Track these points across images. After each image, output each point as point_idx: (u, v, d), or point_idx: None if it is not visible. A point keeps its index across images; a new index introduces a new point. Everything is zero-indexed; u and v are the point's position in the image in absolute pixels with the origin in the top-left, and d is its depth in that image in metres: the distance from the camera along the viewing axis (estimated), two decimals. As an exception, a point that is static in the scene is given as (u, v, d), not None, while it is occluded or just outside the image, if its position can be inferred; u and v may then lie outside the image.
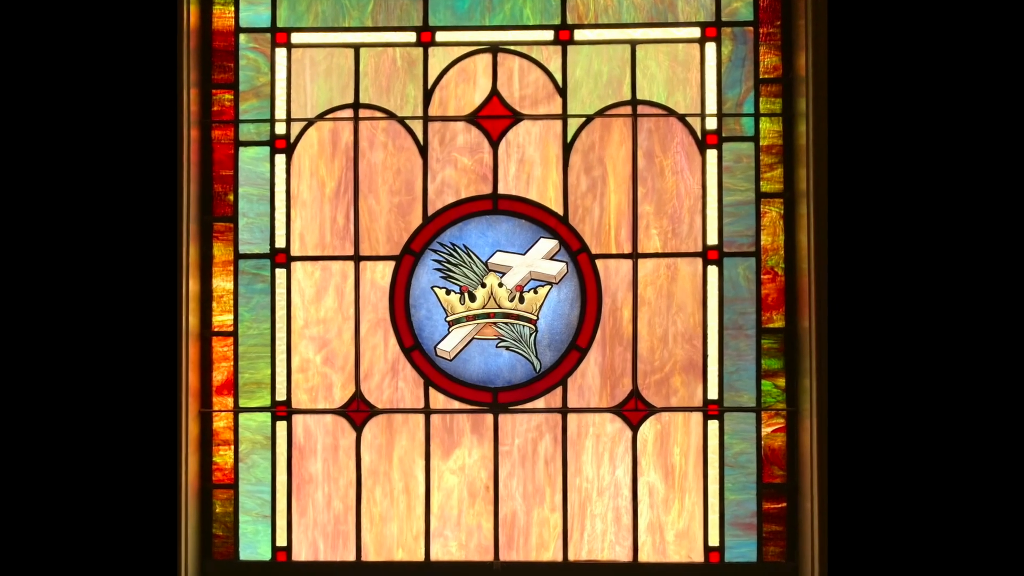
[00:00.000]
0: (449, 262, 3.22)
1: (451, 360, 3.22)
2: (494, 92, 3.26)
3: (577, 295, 3.22)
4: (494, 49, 3.26)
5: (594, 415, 3.21)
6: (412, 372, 3.23)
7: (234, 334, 3.22)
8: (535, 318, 3.20)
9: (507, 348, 3.21)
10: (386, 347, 3.24)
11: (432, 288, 3.22)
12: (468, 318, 3.20)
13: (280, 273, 3.23)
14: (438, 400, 3.23)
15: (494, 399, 3.22)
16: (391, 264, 3.23)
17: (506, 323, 3.20)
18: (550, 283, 3.20)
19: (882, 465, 2.72)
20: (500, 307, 3.20)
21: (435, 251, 3.23)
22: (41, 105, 2.79)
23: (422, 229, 3.23)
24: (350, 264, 3.24)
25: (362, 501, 3.22)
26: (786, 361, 3.17)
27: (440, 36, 3.26)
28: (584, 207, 3.23)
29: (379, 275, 3.23)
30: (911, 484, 2.71)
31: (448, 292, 3.21)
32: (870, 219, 2.78)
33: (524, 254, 3.21)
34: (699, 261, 3.20)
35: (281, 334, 3.22)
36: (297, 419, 3.23)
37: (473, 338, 3.21)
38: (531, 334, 3.20)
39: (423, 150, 3.25)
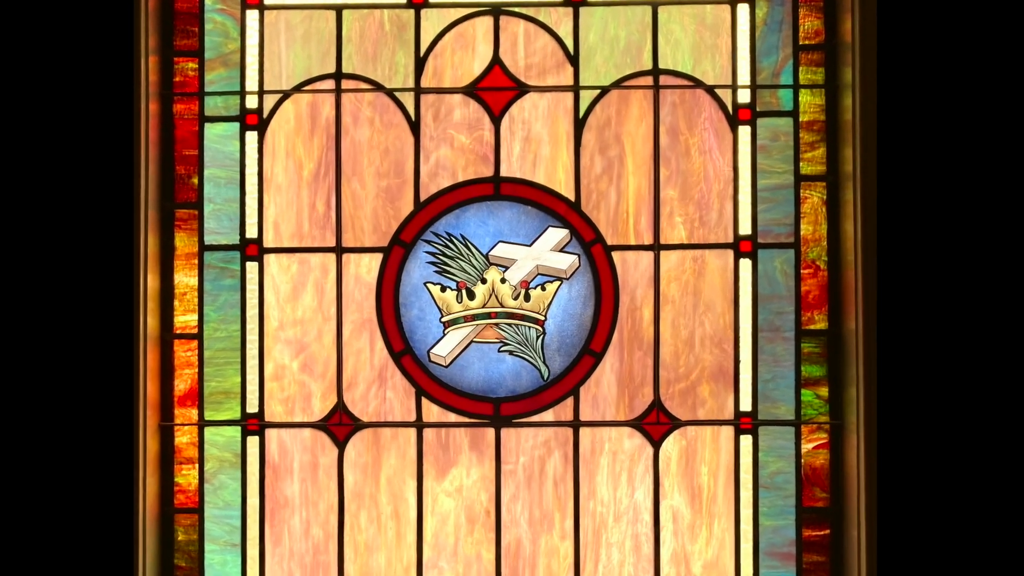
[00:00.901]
0: (444, 255, 3.21)
1: (447, 366, 3.20)
2: (496, 60, 3.25)
3: (590, 292, 3.21)
4: (496, 11, 3.25)
5: (610, 429, 3.20)
6: (402, 380, 3.21)
7: (199, 337, 3.21)
8: (543, 318, 3.19)
9: (511, 353, 3.20)
10: (372, 352, 3.22)
11: (425, 284, 3.21)
12: (466, 318, 3.20)
13: (251, 267, 3.22)
14: (432, 412, 3.21)
15: (496, 411, 3.21)
16: (378, 257, 3.22)
17: (509, 324, 3.19)
18: (560, 278, 3.20)
19: (938, 486, 2.75)
20: (503, 306, 3.19)
21: (428, 242, 3.22)
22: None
23: (414, 217, 3.22)
24: (331, 257, 3.22)
25: (345, 528, 3.20)
26: (829, 368, 3.17)
27: (434, -4, 3.30)
28: (599, 192, 3.23)
29: (364, 269, 3.23)
30: (971, 508, 2.73)
31: (443, 289, 3.20)
32: (925, 205, 2.80)
33: (530, 245, 3.21)
34: (730, 253, 3.20)
35: (252, 337, 3.22)
36: (271, 434, 3.22)
37: (472, 341, 3.20)
38: (538, 337, 3.19)
39: (415, 127, 3.24)
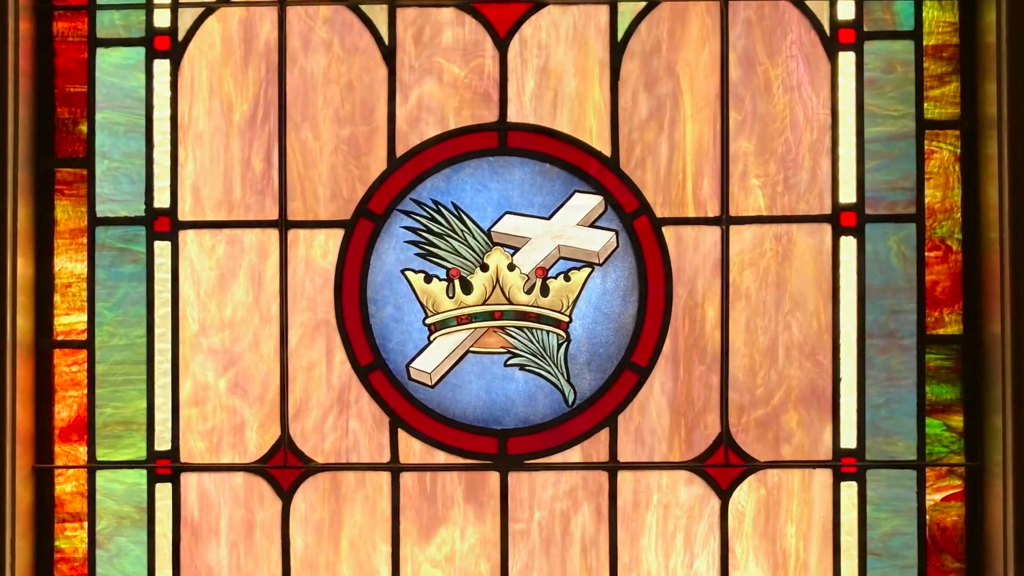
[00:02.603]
0: (430, 231, 3.19)
1: (433, 386, 3.18)
2: (501, -39, 3.06)
3: (633, 283, 3.18)
4: None
5: (660, 474, 3.18)
6: (371, 405, 3.19)
7: (89, 345, 3.19)
8: (567, 320, 3.16)
9: (522, 367, 3.18)
10: (330, 366, 3.20)
11: (403, 272, 3.19)
12: (460, 320, 3.17)
13: (162, 248, 3.21)
14: (412, 450, 3.20)
15: (501, 448, 3.18)
16: (338, 234, 3.20)
17: (521, 328, 3.17)
18: (591, 264, 3.18)
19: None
20: (511, 302, 3.18)
21: (408, 214, 3.19)
22: None
23: (387, 178, 3.20)
24: (273, 234, 3.20)
25: (292, 609, 3.00)
26: (965, 388, 3.15)
27: None
28: (644, 143, 3.19)
29: (319, 252, 3.21)
30: None
31: (428, 279, 3.18)
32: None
33: (549, 218, 3.20)
34: (827, 229, 3.18)
35: (163, 345, 3.20)
36: (189, 480, 3.19)
37: (468, 351, 3.18)
38: (560, 345, 3.16)
39: (389, 54, 3.22)
